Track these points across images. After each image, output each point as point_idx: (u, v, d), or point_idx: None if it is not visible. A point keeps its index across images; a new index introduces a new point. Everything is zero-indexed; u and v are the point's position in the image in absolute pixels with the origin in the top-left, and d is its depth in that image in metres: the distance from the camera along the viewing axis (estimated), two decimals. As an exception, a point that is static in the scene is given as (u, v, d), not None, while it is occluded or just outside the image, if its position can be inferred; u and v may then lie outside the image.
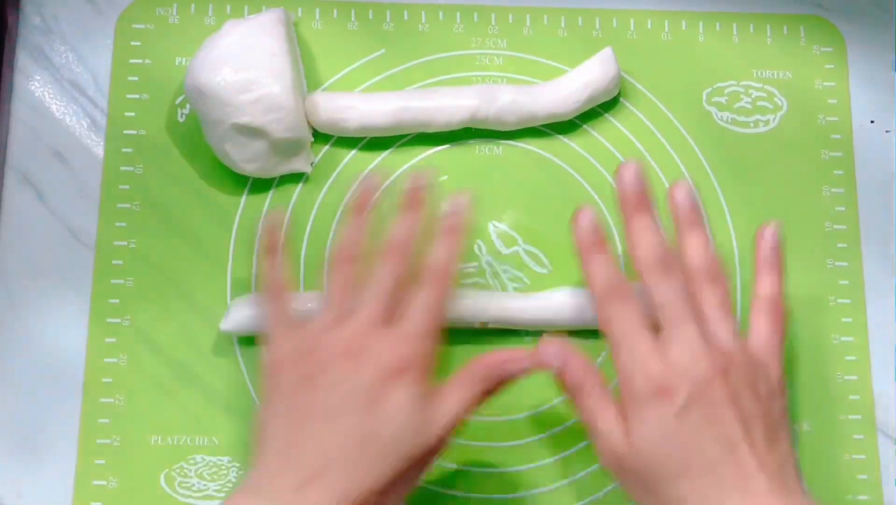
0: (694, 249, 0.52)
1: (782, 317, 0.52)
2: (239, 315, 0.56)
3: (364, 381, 0.48)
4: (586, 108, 0.61)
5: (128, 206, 0.60)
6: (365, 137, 0.61)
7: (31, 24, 0.62)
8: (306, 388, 0.49)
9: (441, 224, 0.53)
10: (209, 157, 0.60)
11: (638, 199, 0.52)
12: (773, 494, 0.46)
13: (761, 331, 0.51)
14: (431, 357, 0.50)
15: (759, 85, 0.63)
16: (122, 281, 0.59)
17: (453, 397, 0.50)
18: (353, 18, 0.63)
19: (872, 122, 0.63)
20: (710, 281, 0.51)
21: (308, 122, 0.60)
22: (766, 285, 0.53)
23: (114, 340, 0.58)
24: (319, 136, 0.61)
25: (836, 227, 0.61)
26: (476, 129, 0.61)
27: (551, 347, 0.51)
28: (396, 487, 0.48)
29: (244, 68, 0.56)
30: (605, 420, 0.49)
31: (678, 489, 0.47)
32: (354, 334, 0.50)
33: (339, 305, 0.52)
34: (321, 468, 0.47)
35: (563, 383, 0.51)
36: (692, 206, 0.53)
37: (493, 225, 0.60)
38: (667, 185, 0.61)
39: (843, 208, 0.61)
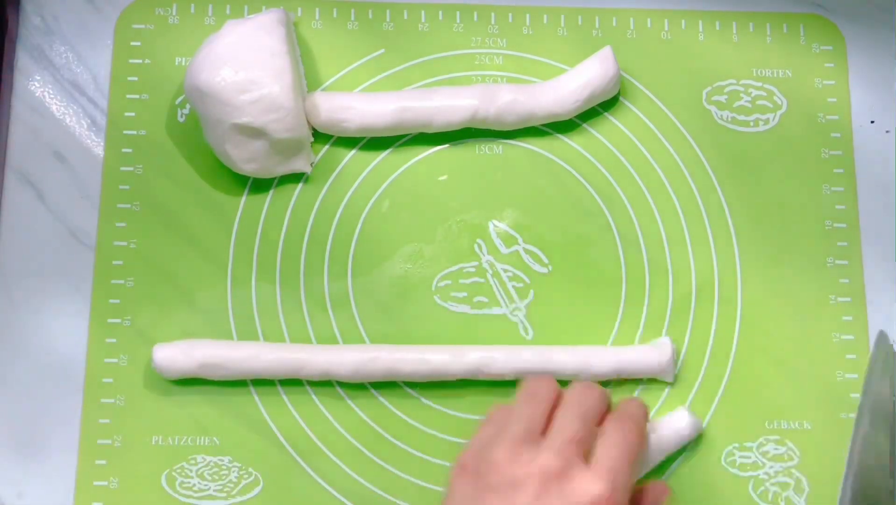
0: None
1: None
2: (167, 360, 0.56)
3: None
4: (586, 108, 0.61)
5: (128, 206, 0.60)
6: (365, 137, 0.61)
7: (31, 24, 0.62)
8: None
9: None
10: (209, 157, 0.60)
11: None
12: None
13: None
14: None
15: (759, 84, 0.63)
16: (122, 281, 0.59)
17: None
18: (352, 18, 0.63)
19: (873, 122, 0.63)
20: None
21: (308, 122, 0.60)
22: None
23: (114, 340, 0.58)
24: (319, 136, 0.61)
25: (836, 225, 0.61)
26: (476, 129, 0.61)
27: None
28: None
29: (244, 68, 0.56)
30: None
31: None
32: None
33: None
34: None
35: None
36: None
37: (493, 224, 0.60)
38: (667, 184, 0.61)
39: (843, 207, 0.61)
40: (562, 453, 0.47)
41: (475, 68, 0.62)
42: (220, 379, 0.57)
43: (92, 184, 0.60)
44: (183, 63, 0.61)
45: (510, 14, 0.63)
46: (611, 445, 0.48)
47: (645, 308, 0.60)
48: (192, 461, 0.57)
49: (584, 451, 0.47)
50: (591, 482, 0.46)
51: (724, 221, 0.61)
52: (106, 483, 0.56)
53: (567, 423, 0.48)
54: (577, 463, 0.46)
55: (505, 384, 0.58)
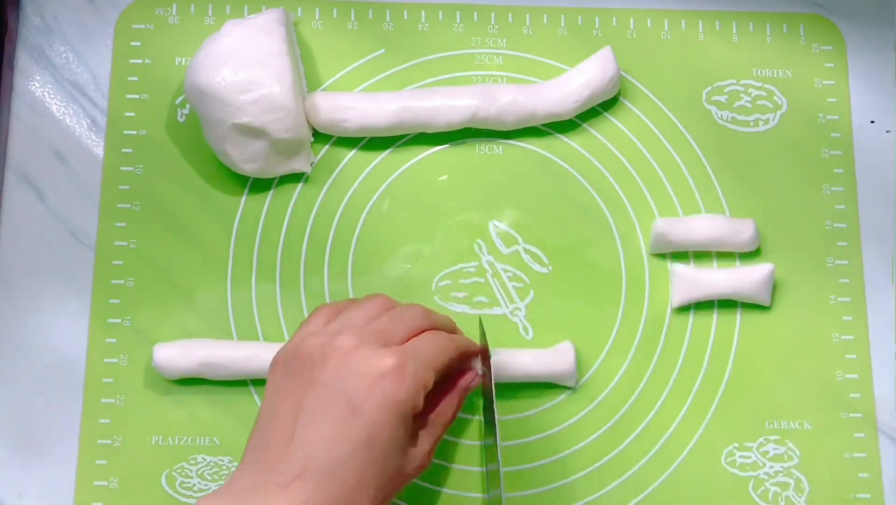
0: None
1: None
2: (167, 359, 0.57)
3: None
4: (586, 108, 0.61)
5: (128, 206, 0.60)
6: (365, 137, 0.61)
7: (31, 25, 0.62)
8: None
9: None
10: (209, 157, 0.60)
11: None
12: None
13: None
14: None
15: (759, 84, 0.63)
16: (122, 281, 0.59)
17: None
18: (352, 18, 0.63)
19: (873, 122, 0.63)
20: None
21: (308, 122, 0.60)
22: None
23: (114, 340, 0.58)
24: (319, 136, 0.61)
25: (836, 225, 0.61)
26: (476, 129, 0.61)
27: None
28: None
29: (244, 68, 0.56)
30: None
31: None
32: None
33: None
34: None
35: None
36: None
37: (493, 224, 0.60)
38: (667, 184, 0.61)
39: (843, 207, 0.61)
40: (360, 335, 0.49)
41: (475, 68, 0.62)
42: (220, 379, 0.57)
43: (92, 184, 0.60)
44: (183, 63, 0.61)
45: (510, 14, 0.63)
46: (416, 340, 0.51)
47: (645, 308, 0.60)
48: (192, 461, 0.57)
49: (388, 343, 0.50)
50: (381, 357, 0.48)
51: (724, 221, 0.61)
52: (106, 483, 0.56)
53: (379, 319, 0.51)
54: (373, 344, 0.49)
55: (504, 384, 0.58)
